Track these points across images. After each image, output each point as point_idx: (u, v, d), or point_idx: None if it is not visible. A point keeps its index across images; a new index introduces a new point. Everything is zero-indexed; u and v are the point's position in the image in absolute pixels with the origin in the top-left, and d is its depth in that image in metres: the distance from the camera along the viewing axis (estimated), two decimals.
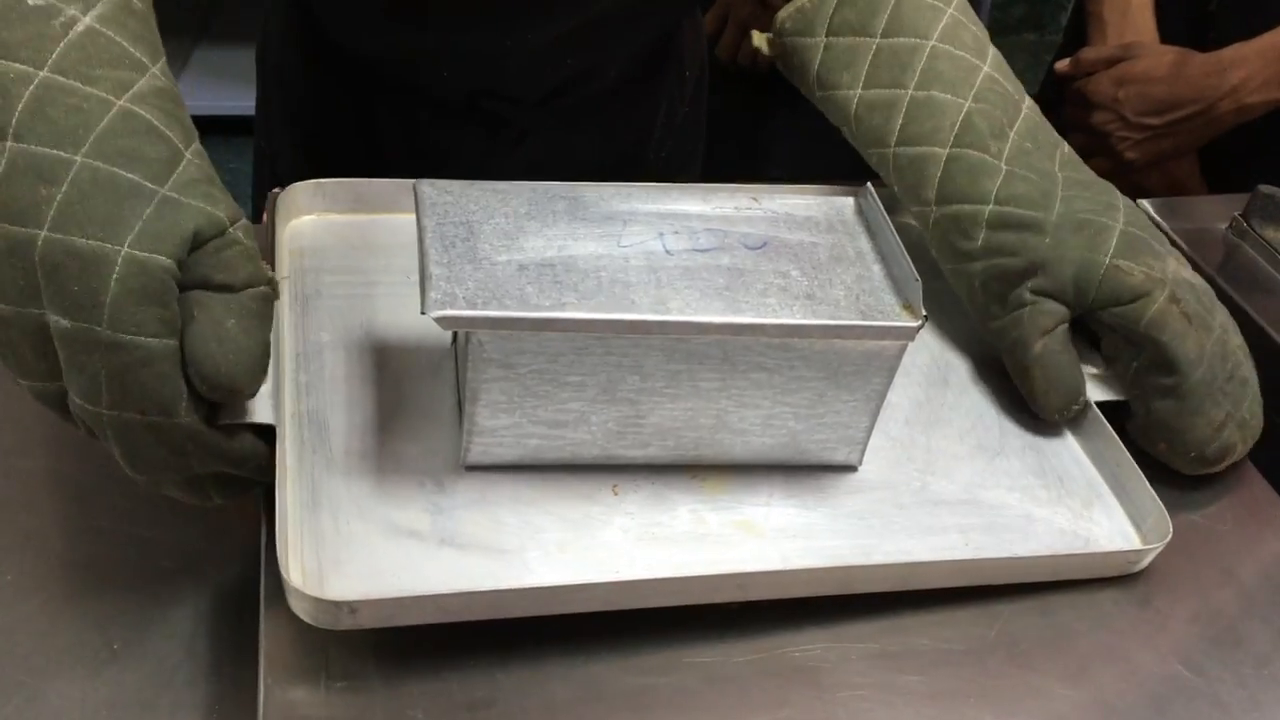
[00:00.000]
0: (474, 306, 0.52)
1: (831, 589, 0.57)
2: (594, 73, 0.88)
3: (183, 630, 0.55)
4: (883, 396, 0.60)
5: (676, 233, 0.59)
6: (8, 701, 0.52)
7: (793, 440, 0.61)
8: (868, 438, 0.62)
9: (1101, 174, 1.14)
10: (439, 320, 0.51)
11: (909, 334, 0.57)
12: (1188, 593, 0.60)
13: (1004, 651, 0.56)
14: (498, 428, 0.57)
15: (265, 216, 0.86)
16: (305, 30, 0.89)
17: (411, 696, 0.51)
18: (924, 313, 0.56)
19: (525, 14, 0.79)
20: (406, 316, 0.65)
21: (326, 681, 0.51)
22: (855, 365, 0.58)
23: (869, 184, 0.62)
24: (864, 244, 0.60)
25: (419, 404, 0.61)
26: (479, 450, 0.58)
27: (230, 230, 0.51)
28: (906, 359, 0.61)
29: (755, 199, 0.62)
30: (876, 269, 0.59)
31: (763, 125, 1.39)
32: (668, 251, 0.57)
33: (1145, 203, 0.94)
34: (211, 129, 1.51)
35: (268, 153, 0.99)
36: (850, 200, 0.63)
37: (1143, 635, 0.58)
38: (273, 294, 0.53)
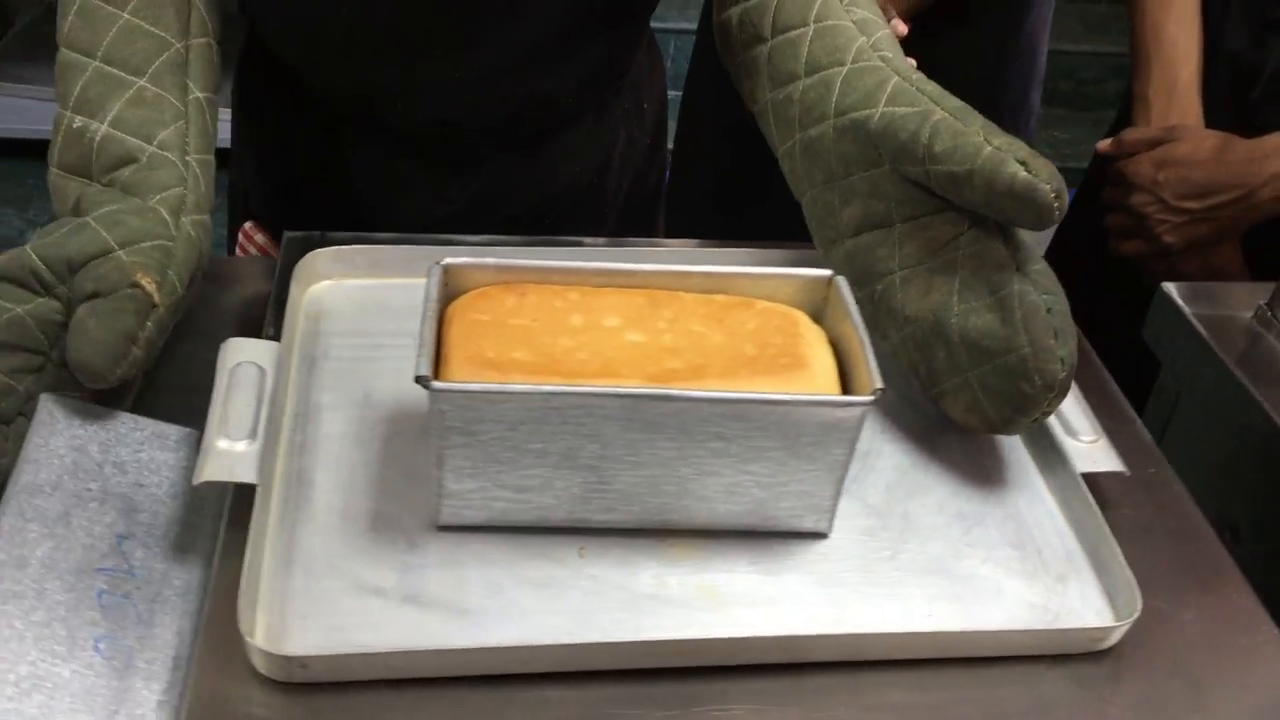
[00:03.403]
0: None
1: (781, 657, 0.58)
2: (547, 103, 0.91)
3: None
4: (845, 466, 0.61)
5: None
6: None
7: (759, 507, 0.62)
8: (835, 505, 0.63)
9: (1138, 256, 1.15)
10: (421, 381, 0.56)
11: (862, 405, 0.59)
12: (1134, 679, 0.59)
13: None
14: (464, 491, 0.60)
15: (240, 250, 0.91)
16: (275, 67, 0.93)
17: None
18: (879, 384, 0.58)
19: (452, 45, 0.83)
20: (405, 379, 0.67)
21: None
22: (813, 436, 0.59)
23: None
24: None
25: (404, 465, 0.65)
26: (449, 512, 0.61)
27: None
28: (895, 422, 0.61)
29: None
30: None
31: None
32: None
33: (1170, 286, 0.94)
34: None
35: (241, 186, 1.03)
36: None
37: None
38: (141, 294, 0.63)
